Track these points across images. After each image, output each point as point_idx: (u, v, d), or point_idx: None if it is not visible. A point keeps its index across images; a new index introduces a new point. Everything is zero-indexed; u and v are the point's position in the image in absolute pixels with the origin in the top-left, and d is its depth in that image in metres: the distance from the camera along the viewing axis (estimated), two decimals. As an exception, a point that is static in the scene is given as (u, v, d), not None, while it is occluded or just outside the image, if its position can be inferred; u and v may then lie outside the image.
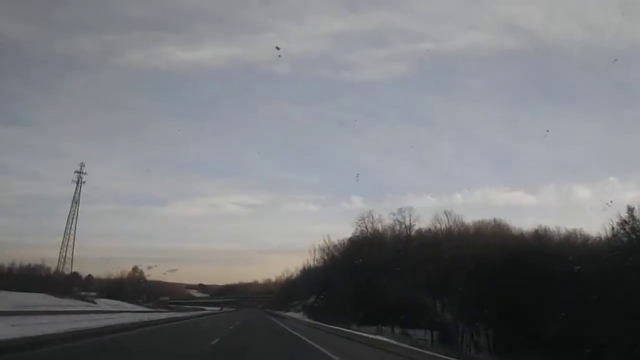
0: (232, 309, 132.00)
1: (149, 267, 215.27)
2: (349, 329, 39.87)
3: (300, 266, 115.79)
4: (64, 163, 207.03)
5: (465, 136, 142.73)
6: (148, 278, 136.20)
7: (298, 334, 24.87)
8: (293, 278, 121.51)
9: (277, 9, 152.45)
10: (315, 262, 79.20)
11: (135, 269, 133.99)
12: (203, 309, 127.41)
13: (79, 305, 65.81)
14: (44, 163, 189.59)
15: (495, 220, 55.47)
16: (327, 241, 75.83)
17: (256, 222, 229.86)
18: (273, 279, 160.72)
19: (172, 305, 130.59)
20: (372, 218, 58.79)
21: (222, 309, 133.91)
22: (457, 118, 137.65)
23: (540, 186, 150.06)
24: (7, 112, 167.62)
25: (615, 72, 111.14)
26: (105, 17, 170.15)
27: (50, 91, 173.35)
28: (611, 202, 77.69)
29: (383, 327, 42.24)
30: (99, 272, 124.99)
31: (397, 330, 41.82)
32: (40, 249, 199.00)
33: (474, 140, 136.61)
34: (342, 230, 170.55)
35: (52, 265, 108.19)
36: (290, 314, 73.42)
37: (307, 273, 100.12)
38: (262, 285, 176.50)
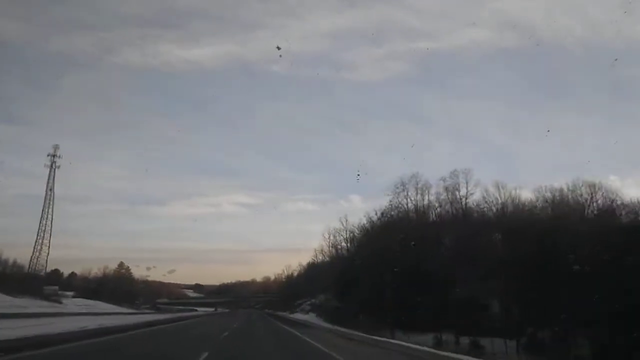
0: (226, 310, 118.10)
1: (148, 268, 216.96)
2: (394, 338, 26.35)
3: (303, 263, 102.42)
4: (60, 162, 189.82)
5: (465, 135, 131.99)
6: (147, 279, 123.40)
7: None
8: (295, 275, 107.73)
9: (275, 7, 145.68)
10: (330, 249, 62.09)
11: (121, 265, 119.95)
12: (195, 310, 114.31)
13: (33, 306, 52.70)
14: (41, 162, 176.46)
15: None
16: (344, 223, 59.11)
17: (255, 221, 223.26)
18: (272, 277, 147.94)
19: (162, 306, 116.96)
20: (417, 184, 41.63)
21: (216, 310, 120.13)
22: (457, 117, 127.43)
23: (541, 185, 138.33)
24: (4, 111, 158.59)
25: (615, 70, 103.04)
26: (103, 15, 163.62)
27: (48, 90, 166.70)
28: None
29: (442, 336, 28.60)
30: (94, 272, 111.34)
31: (463, 340, 28.12)
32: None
33: (473, 139, 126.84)
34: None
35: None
36: (298, 315, 59.66)
37: (315, 268, 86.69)
38: (261, 284, 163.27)
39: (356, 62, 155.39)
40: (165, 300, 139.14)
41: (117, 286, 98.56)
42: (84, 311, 56.82)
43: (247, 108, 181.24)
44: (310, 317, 49.31)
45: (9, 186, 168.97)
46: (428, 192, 40.77)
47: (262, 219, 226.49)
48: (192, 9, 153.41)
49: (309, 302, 69.97)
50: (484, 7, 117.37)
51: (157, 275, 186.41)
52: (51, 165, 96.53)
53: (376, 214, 43.52)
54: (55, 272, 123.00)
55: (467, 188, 36.80)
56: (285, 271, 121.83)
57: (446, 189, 38.65)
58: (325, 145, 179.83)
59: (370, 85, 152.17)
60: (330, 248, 58.64)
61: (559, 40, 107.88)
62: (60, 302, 66.27)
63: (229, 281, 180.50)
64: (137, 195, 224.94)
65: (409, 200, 40.18)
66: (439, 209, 38.76)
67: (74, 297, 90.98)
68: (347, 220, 58.22)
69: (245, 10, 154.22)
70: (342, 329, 26.36)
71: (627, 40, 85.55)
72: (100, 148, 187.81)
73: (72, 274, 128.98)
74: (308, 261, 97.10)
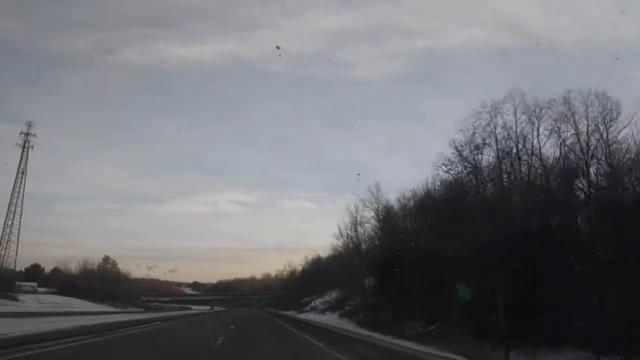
0: (223, 309, 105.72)
1: (150, 268, 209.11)
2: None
3: (308, 258, 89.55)
4: (57, 161, 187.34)
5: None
6: (149, 277, 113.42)
7: None
8: (300, 271, 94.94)
9: (274, 6, 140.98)
10: (354, 228, 44.20)
11: (106, 259, 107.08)
12: (189, 309, 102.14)
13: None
14: (38, 161, 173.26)
15: None
16: (375, 193, 39.79)
17: (253, 220, 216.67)
18: (273, 274, 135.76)
19: (157, 304, 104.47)
20: (515, 107, 22.49)
21: (211, 308, 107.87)
22: (456, 117, 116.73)
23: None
24: (3, 110, 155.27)
25: (615, 70, 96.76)
26: (102, 15, 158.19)
27: (46, 89, 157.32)
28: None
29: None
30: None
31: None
32: (37, 247, 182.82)
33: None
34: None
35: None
36: (311, 316, 46.99)
37: (322, 262, 74.67)
38: (261, 281, 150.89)
39: (355, 61, 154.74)
40: (168, 298, 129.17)
41: (99, 282, 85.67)
42: (42, 310, 44.59)
43: (245, 107, 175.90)
44: (332, 319, 36.44)
45: (7, 185, 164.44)
46: (537, 119, 21.46)
47: (260, 218, 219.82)
48: (191, 8, 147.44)
49: (320, 300, 57.32)
50: (482, 7, 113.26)
51: (159, 274, 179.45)
52: (24, 145, 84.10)
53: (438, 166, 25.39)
54: (35, 268, 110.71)
55: (605, 123, 20.70)
56: (287, 267, 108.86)
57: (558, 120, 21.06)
58: (323, 145, 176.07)
59: (369, 84, 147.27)
60: (354, 227, 43.34)
61: (556, 41, 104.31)
62: (17, 300, 53.77)
63: (227, 278, 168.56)
64: (135, 194, 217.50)
65: (503, 135, 21.89)
66: (552, 157, 21.66)
67: (48, 293, 78.99)
68: (378, 190, 39.56)
69: (244, 10, 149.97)
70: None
71: (625, 41, 78.63)
72: (98, 147, 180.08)
73: (55, 270, 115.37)
74: (313, 256, 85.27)
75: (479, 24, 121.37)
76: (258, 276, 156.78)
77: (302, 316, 49.96)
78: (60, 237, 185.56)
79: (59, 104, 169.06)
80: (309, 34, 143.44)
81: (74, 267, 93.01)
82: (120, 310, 67.71)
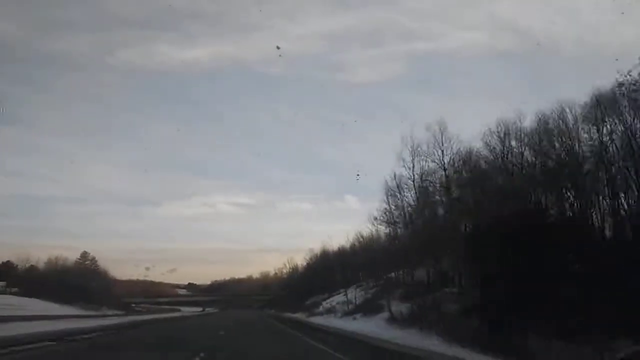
0: (216, 310, 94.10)
1: (147, 268, 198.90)
2: None
3: (310, 254, 78.45)
4: (57, 162, 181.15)
5: (463, 136, 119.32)
6: (146, 278, 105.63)
7: None
8: (304, 267, 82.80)
9: (272, 8, 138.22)
10: (400, 196, 31.03)
11: (84, 255, 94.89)
12: (179, 310, 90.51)
13: None
14: (37, 162, 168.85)
15: None
16: (438, 137, 28.57)
17: (251, 222, 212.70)
18: (272, 273, 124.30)
19: (142, 307, 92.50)
20: None
21: (203, 310, 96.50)
22: (455, 118, 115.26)
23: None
24: (2, 111, 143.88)
25: (613, 72, 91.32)
26: (101, 16, 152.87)
27: (45, 90, 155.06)
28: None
29: None
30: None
31: None
32: (31, 249, 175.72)
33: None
34: (340, 230, 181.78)
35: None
36: (332, 321, 33.55)
37: (329, 257, 63.72)
38: (259, 280, 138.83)
39: (354, 63, 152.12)
40: (162, 299, 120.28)
41: (74, 280, 73.48)
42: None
43: (243, 109, 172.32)
44: (378, 329, 22.60)
45: (9, 186, 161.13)
46: None
47: (258, 219, 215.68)
48: (189, 10, 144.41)
49: (337, 300, 44.68)
50: (481, 9, 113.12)
51: (156, 275, 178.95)
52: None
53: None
54: (7, 265, 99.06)
55: None
56: (288, 264, 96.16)
57: None
58: (321, 146, 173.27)
59: (368, 86, 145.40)
60: (412, 187, 27.92)
61: (556, 42, 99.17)
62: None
63: (222, 278, 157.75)
64: (134, 195, 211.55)
65: None
66: None
67: (12, 294, 67.13)
68: (443, 133, 27.71)
69: (242, 12, 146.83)
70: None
71: (625, 41, 73.84)
72: (97, 149, 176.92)
73: (32, 267, 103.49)
74: (314, 253, 74.24)
75: (479, 26, 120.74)
76: (256, 275, 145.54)
77: (317, 321, 37.29)
78: (56, 239, 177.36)
79: (55, 104, 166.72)
80: (308, 36, 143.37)
81: (43, 263, 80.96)
82: (89, 313, 55.14)
